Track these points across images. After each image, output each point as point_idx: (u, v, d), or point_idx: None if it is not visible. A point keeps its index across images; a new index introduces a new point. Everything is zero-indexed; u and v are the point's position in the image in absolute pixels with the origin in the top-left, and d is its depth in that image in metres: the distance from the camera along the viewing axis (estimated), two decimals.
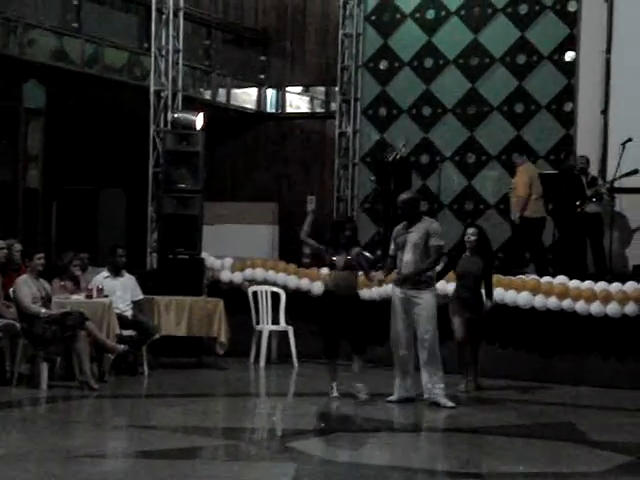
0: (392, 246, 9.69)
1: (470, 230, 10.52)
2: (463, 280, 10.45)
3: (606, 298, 11.11)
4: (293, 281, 12.80)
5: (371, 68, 14.84)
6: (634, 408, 10.04)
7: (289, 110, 16.25)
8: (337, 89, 15.04)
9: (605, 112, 13.30)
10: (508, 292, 11.51)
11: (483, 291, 10.48)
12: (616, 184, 12.33)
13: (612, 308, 11.10)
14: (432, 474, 7.11)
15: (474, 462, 7.49)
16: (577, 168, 12.55)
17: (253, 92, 16.20)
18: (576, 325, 11.36)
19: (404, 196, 9.72)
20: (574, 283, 11.37)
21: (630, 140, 12.14)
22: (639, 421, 9.33)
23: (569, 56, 13.67)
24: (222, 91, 15.68)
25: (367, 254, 13.45)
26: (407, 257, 9.39)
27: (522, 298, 11.44)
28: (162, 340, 11.52)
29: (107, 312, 10.62)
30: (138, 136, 13.38)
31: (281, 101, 16.21)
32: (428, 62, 14.43)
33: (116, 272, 11.39)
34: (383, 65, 14.75)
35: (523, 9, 13.91)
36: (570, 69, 13.65)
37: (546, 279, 11.56)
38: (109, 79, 13.58)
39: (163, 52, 13.19)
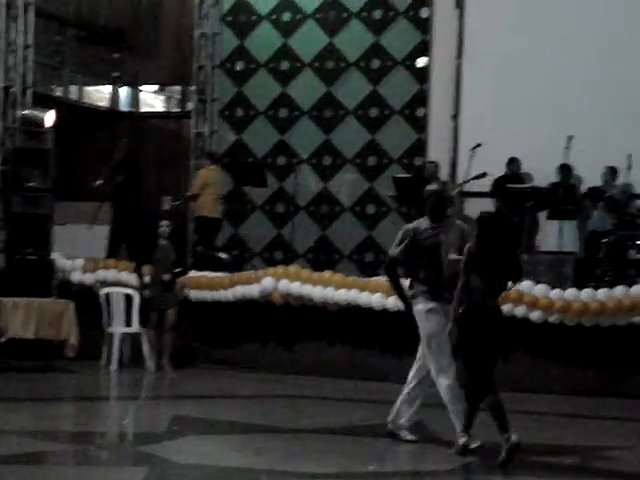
0: (401, 248, 7.82)
1: (165, 222, 12.08)
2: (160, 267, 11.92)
3: None
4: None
5: (227, 69, 14.80)
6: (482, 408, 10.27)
7: (144, 109, 16.04)
8: (193, 89, 14.94)
9: (456, 117, 13.62)
10: (362, 294, 11.62)
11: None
12: (465, 188, 12.62)
13: None
14: (283, 475, 7.12)
15: (326, 462, 7.56)
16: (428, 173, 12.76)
17: (106, 90, 15.93)
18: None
19: (438, 187, 8.00)
20: None
21: (479, 145, 12.40)
22: (486, 420, 9.54)
23: (421, 62, 13.94)
24: (74, 88, 15.38)
25: (224, 255, 13.48)
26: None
27: (376, 299, 11.56)
28: (9, 343, 11.30)
29: None
30: None
31: (135, 99, 15.99)
32: (284, 64, 14.50)
33: None
34: (239, 66, 14.73)
35: (377, 14, 14.12)
36: (422, 75, 13.92)
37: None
38: None
39: (12, 47, 12.87)
